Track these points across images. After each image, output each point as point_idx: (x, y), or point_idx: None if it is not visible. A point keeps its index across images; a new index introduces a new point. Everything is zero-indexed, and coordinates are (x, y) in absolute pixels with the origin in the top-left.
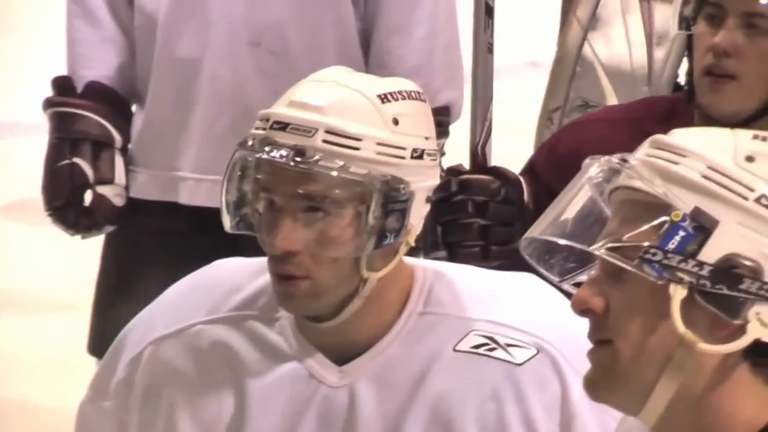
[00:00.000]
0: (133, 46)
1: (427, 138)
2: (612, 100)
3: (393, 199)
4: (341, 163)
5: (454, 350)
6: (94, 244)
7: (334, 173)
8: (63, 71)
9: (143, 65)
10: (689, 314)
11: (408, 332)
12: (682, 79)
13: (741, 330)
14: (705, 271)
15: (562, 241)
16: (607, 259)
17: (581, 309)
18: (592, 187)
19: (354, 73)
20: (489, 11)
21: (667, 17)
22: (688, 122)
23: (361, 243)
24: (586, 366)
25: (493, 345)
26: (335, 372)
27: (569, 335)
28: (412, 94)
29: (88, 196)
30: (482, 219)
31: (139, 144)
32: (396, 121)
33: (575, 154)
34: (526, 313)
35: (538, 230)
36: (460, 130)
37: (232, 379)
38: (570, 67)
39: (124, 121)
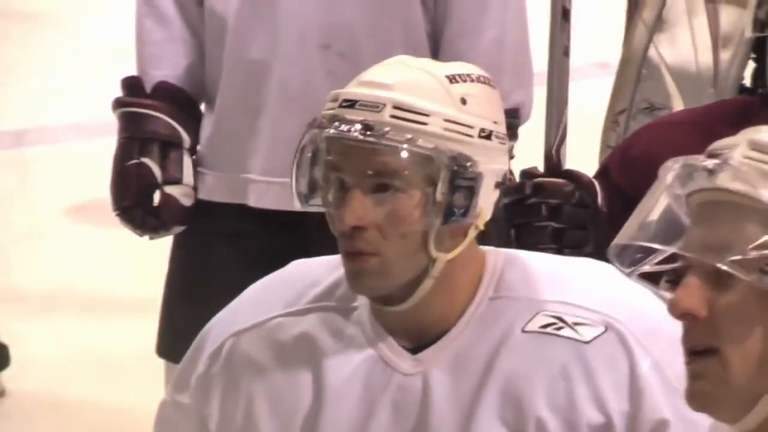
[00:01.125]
0: (202, 46)
1: (495, 122)
2: (677, 102)
3: (460, 175)
4: (409, 136)
5: (523, 331)
6: (163, 247)
7: (403, 146)
8: (127, 71)
9: (213, 66)
10: None
11: (479, 318)
12: (747, 81)
13: None
14: None
15: (663, 248)
16: (731, 272)
17: (682, 312)
18: (671, 192)
19: (421, 58)
20: (566, 14)
21: (732, 19)
22: (759, 124)
23: (429, 219)
24: (654, 342)
25: (561, 324)
26: (409, 360)
27: (638, 313)
28: (481, 78)
29: (156, 196)
30: (556, 222)
31: (208, 146)
32: (464, 101)
33: (648, 158)
34: (594, 293)
35: (628, 237)
36: (533, 132)
37: (309, 370)
38: (635, 69)
39: (192, 121)
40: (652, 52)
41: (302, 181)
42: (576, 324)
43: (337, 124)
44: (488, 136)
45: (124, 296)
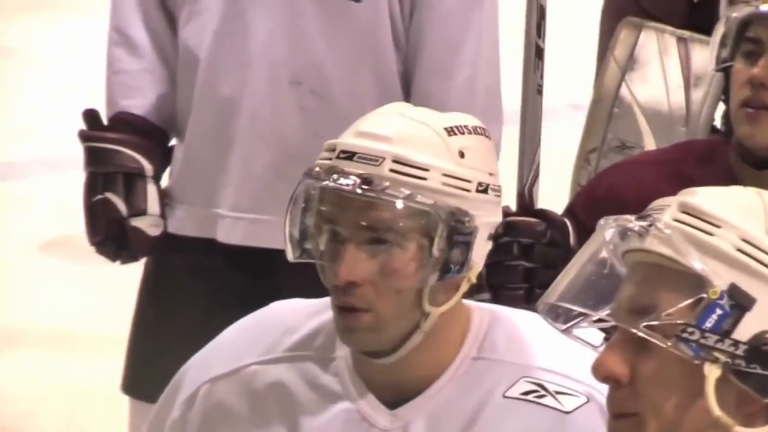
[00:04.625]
0: (173, 77)
1: (491, 174)
2: (649, 141)
3: (458, 231)
4: (408, 192)
5: (504, 396)
6: (132, 283)
7: (401, 202)
8: (97, 102)
9: (183, 100)
10: (719, 392)
11: (461, 376)
12: (718, 122)
13: (767, 407)
14: (740, 351)
15: (589, 312)
16: (645, 337)
17: (605, 376)
18: (609, 249)
19: (417, 107)
20: (539, 53)
21: (704, 58)
22: (724, 164)
23: (424, 275)
24: None
25: (543, 392)
26: (387, 415)
27: None
28: (478, 129)
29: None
30: (527, 261)
31: (178, 179)
32: (462, 154)
33: (614, 197)
34: (579, 362)
35: (556, 296)
36: (506, 171)
37: (285, 420)
38: (607, 107)
39: (157, 150)
40: (624, 90)
41: (294, 231)
42: (558, 393)
43: (335, 176)
44: (485, 190)
45: (91, 332)
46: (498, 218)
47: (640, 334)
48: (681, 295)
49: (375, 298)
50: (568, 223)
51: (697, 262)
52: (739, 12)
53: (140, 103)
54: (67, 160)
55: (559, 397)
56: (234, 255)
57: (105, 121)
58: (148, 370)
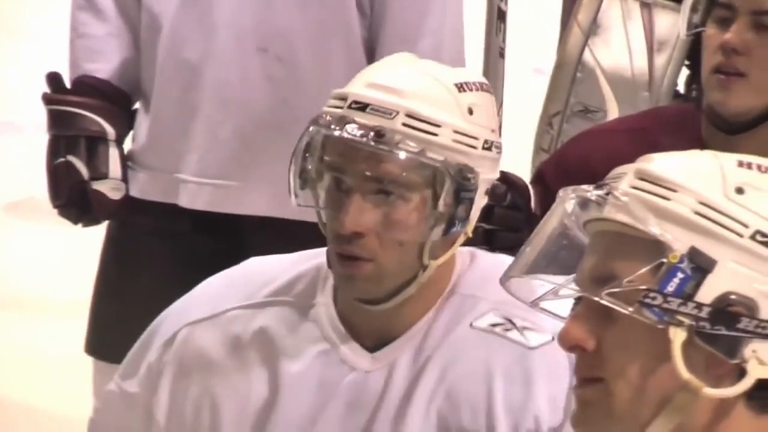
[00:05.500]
0: (138, 41)
1: (493, 130)
2: (612, 105)
3: (464, 188)
4: (419, 147)
5: (471, 326)
6: (95, 245)
7: (413, 157)
8: (64, 65)
9: (148, 65)
10: (687, 355)
11: (439, 313)
12: (681, 87)
13: (737, 368)
14: (704, 313)
15: (551, 280)
16: (608, 305)
17: (570, 345)
18: (569, 219)
19: (423, 60)
20: (501, 15)
21: (668, 24)
22: (696, 132)
23: (428, 229)
24: None
25: (510, 326)
26: (368, 358)
27: None
28: (484, 86)
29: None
30: (487, 224)
31: (141, 144)
32: (471, 111)
33: (584, 165)
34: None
35: (520, 269)
36: None
37: (264, 363)
38: (571, 72)
39: (120, 114)
40: (587, 55)
41: (298, 177)
42: (524, 328)
43: (350, 127)
44: (489, 147)
45: (54, 294)
46: (496, 174)
47: (603, 302)
48: (642, 261)
49: (378, 248)
50: (530, 187)
51: (656, 228)
52: None
53: (104, 66)
54: (31, 123)
55: (525, 332)
56: (198, 219)
57: (68, 85)
58: (111, 331)
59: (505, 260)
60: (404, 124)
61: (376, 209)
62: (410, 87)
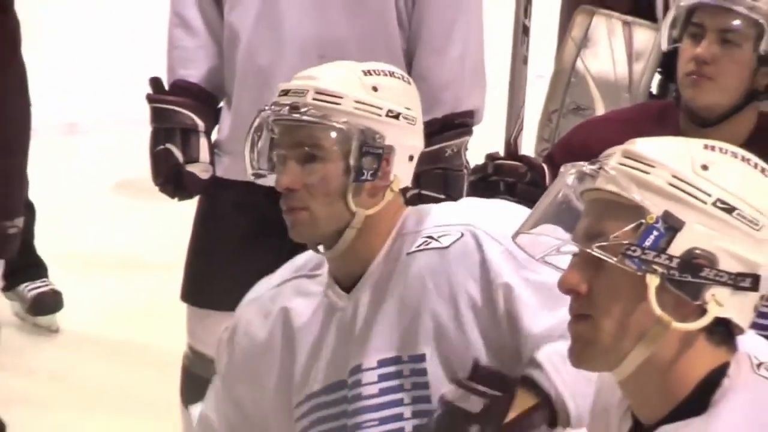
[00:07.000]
0: (222, 52)
1: (407, 108)
2: (599, 104)
3: (368, 144)
4: (325, 114)
5: (407, 254)
6: (187, 217)
7: (319, 121)
8: (157, 71)
9: (229, 71)
10: (660, 297)
11: (387, 254)
12: (654, 89)
13: (699, 308)
14: (674, 263)
15: (556, 238)
16: (597, 255)
17: (567, 289)
18: (570, 190)
19: (361, 63)
20: (525, 30)
21: (644, 38)
22: (674, 124)
23: (345, 179)
24: (507, 239)
25: (431, 240)
26: (345, 297)
27: (497, 220)
28: (396, 74)
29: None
30: (511, 197)
31: (225, 135)
32: (375, 89)
33: (586, 147)
34: (468, 211)
35: (528, 225)
36: (496, 126)
37: (281, 321)
38: (566, 77)
39: (208, 110)
40: (579, 64)
41: (252, 156)
42: (441, 236)
43: (275, 107)
44: (396, 116)
45: (154, 256)
46: (418, 144)
47: (594, 253)
48: (626, 222)
49: (309, 199)
50: (545, 167)
51: (637, 195)
52: (687, 1)
53: (195, 72)
54: (138, 119)
55: (440, 238)
56: (270, 193)
57: (166, 87)
58: (201, 283)
59: (443, 204)
60: (314, 99)
61: (306, 170)
62: (321, 73)
